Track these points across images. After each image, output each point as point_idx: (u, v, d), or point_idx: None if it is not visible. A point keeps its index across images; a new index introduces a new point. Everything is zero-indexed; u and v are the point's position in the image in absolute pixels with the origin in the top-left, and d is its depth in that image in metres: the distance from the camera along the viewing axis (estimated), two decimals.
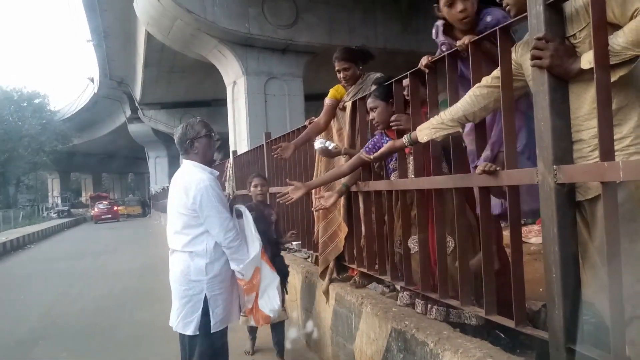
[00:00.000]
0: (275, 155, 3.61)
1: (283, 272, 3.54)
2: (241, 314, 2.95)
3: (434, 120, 2.06)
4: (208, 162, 2.75)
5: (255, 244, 2.79)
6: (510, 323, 1.83)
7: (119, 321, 5.45)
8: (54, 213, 38.58)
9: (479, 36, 2.00)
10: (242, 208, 2.94)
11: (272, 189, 5.08)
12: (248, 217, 2.87)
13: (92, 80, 26.23)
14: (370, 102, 2.76)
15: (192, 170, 2.68)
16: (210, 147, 2.74)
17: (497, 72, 1.86)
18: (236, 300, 2.82)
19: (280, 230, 3.98)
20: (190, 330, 2.59)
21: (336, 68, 3.37)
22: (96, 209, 31.36)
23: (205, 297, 2.58)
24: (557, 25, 1.52)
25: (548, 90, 1.51)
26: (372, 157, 2.64)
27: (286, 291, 3.70)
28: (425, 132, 2.09)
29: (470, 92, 1.95)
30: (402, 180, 2.58)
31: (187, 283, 2.60)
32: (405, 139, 2.28)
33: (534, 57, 1.53)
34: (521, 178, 1.74)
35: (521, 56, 1.78)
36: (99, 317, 5.70)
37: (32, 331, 5.24)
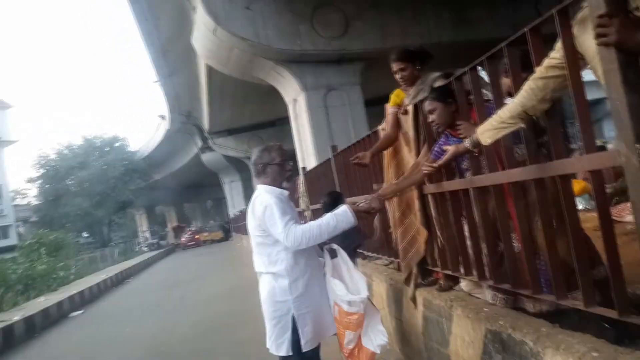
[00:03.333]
0: (354, 162, 3.63)
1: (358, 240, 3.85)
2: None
3: (493, 121, 2.00)
4: (277, 187, 2.77)
5: (362, 283, 2.78)
6: (612, 314, 1.73)
7: (218, 344, 5.71)
8: (145, 247, 41.25)
9: (537, 20, 1.93)
10: (336, 247, 2.91)
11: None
12: (343, 255, 2.87)
13: (163, 117, 27.83)
14: (427, 105, 2.72)
15: (260, 193, 2.74)
16: (281, 175, 2.77)
17: (549, 61, 1.79)
18: (327, 316, 2.80)
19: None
20: (283, 351, 2.65)
21: (393, 69, 3.31)
22: (183, 239, 39.07)
23: (293, 317, 2.62)
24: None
25: (619, 68, 1.44)
26: (436, 165, 2.58)
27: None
28: (487, 134, 2.03)
29: (525, 86, 1.87)
30: (476, 177, 2.51)
31: (274, 304, 2.66)
32: (468, 142, 2.21)
33: (599, 35, 1.46)
34: (603, 161, 1.66)
35: (577, 38, 1.70)
36: (199, 342, 6.00)
37: None
